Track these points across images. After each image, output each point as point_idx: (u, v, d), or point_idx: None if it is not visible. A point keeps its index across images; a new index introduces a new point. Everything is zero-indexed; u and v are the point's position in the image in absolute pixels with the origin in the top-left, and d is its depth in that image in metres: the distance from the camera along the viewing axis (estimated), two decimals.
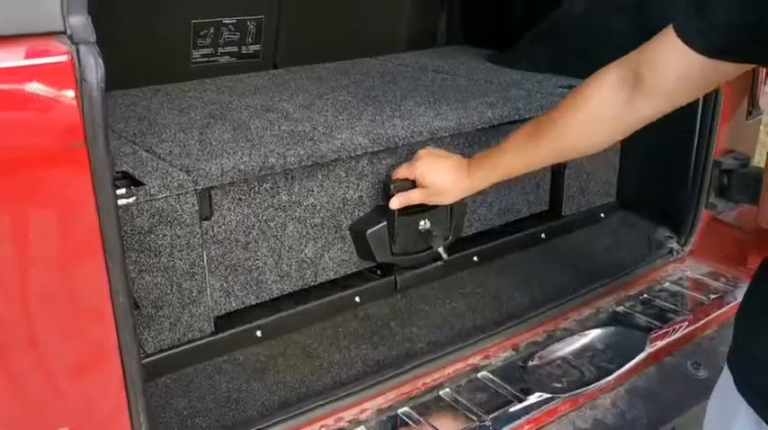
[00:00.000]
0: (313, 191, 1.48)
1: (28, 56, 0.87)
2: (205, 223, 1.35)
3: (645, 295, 1.72)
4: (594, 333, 1.56)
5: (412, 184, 1.48)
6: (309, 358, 1.41)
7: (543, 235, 1.87)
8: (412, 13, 2.49)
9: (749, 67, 1.09)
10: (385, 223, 1.54)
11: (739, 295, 1.78)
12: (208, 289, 1.36)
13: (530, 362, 1.46)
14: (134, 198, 1.12)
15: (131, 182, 1.26)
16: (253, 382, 1.34)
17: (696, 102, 1.81)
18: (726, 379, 1.03)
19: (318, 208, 1.50)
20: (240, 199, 1.39)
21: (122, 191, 1.12)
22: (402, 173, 1.49)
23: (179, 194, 1.28)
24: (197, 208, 1.31)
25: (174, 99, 1.84)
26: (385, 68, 2.23)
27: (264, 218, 1.43)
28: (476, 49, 2.48)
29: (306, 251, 1.51)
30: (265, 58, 2.21)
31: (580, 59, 2.07)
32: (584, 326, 1.58)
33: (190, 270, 1.33)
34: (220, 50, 2.12)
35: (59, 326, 0.97)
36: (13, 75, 0.87)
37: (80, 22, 0.90)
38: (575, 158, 1.44)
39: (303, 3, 2.20)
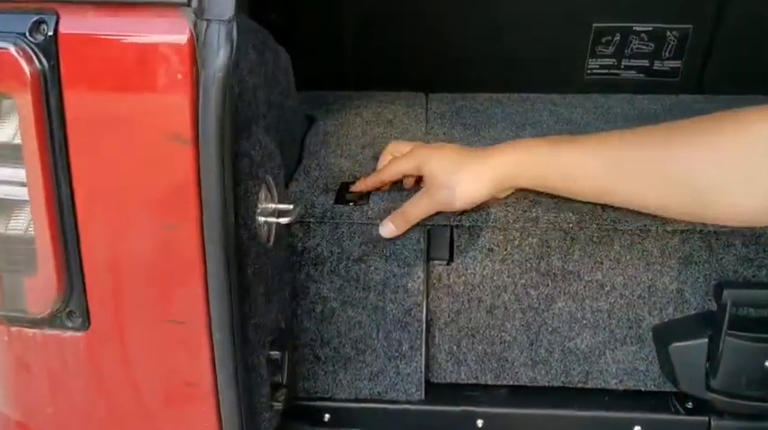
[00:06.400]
0: (602, 264, 1.07)
1: (138, 30, 0.75)
2: (440, 267, 1.08)
3: None
4: None
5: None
6: None
7: None
8: None
9: None
10: (707, 339, 1.04)
11: None
12: (423, 346, 1.09)
13: None
14: (288, 218, 0.91)
15: (357, 199, 1.08)
16: None
17: None
18: None
19: (608, 289, 1.09)
20: (492, 249, 1.07)
21: (289, 206, 0.92)
22: (397, 168, 1.05)
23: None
24: (422, 246, 1.05)
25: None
26: None
27: (523, 282, 1.09)
28: None
29: (577, 340, 1.11)
30: (686, 77, 1.74)
31: None
32: None
33: (403, 318, 1.08)
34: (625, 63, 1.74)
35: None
36: (120, 49, 0.75)
37: None
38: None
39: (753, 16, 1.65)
